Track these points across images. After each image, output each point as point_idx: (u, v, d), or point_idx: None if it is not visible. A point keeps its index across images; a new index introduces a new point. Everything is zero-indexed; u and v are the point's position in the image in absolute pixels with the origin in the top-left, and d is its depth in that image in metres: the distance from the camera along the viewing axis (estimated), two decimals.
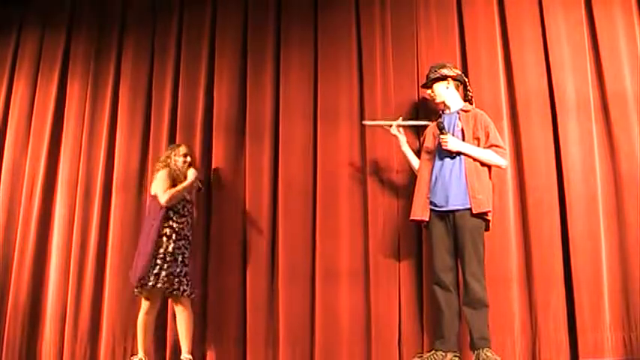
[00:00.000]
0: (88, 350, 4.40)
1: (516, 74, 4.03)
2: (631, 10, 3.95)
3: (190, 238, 4.00)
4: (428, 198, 3.53)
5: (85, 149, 4.77)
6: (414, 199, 3.61)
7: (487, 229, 3.52)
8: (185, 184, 3.98)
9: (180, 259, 3.87)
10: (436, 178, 3.53)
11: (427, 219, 3.53)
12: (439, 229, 3.49)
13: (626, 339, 3.57)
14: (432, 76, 3.72)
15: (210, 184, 4.43)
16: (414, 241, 3.96)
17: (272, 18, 4.60)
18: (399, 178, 4.06)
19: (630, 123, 3.79)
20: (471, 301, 3.37)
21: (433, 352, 3.44)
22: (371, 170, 4.12)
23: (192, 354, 3.90)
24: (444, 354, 3.40)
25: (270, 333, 4.10)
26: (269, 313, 4.12)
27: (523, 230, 3.84)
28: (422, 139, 3.79)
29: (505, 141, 3.91)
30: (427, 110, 4.03)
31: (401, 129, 3.83)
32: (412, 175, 3.84)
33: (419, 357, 3.57)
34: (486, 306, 3.38)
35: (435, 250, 3.50)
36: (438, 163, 3.56)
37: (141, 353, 3.89)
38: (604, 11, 3.98)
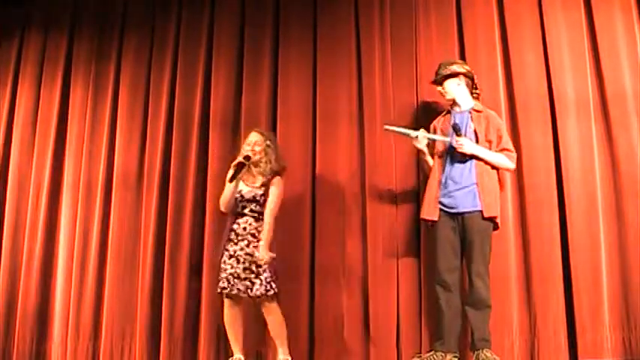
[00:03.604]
0: (90, 349, 4.42)
1: (515, 75, 4.02)
2: (630, 11, 3.93)
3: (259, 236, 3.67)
4: (437, 198, 3.50)
5: (86, 149, 4.81)
6: (425, 198, 3.59)
7: (496, 228, 3.51)
8: (229, 186, 3.67)
9: (244, 260, 3.60)
10: (446, 180, 3.50)
11: (437, 219, 3.49)
12: (446, 228, 3.45)
13: (625, 339, 3.54)
14: (444, 72, 3.63)
15: (206, 183, 4.44)
16: (412, 241, 3.96)
17: (270, 17, 4.60)
18: (398, 179, 4.05)
19: (630, 123, 3.78)
20: (474, 302, 3.37)
21: (432, 352, 3.42)
22: (370, 171, 4.12)
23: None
24: (443, 355, 3.38)
25: (266, 334, 4.07)
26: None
27: (522, 230, 3.83)
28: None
29: None
30: (426, 111, 4.03)
31: (424, 140, 3.63)
32: (411, 175, 3.85)
33: (418, 357, 3.56)
34: (489, 307, 3.38)
35: (440, 250, 3.46)
36: (448, 163, 3.53)
37: (236, 354, 3.67)
38: (603, 12, 3.96)
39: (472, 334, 3.38)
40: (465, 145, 3.43)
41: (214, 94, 4.59)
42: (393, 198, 4.04)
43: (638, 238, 3.62)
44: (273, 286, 3.59)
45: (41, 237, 4.74)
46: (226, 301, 3.68)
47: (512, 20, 4.11)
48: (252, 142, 3.76)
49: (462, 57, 4.14)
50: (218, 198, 4.28)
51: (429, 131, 3.68)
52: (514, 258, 3.79)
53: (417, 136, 3.60)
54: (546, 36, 4.02)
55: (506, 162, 3.53)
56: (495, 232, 3.71)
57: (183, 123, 4.59)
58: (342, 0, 4.47)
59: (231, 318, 3.68)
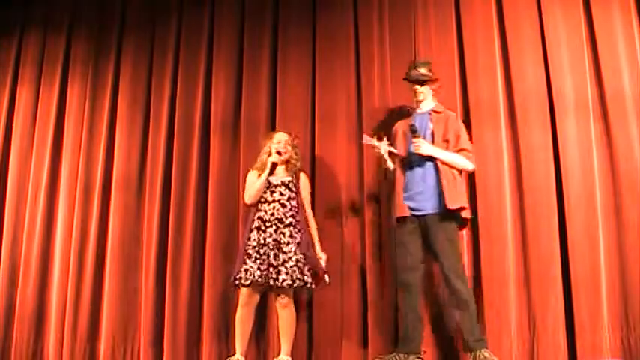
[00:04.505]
0: (88, 350, 4.42)
1: (514, 74, 4.02)
2: (629, 11, 3.94)
3: (289, 221, 3.67)
4: (404, 199, 3.54)
5: (84, 150, 4.80)
6: (395, 198, 3.61)
7: (464, 226, 3.54)
8: (262, 178, 3.73)
9: (273, 247, 3.60)
10: (408, 181, 3.55)
11: (407, 215, 3.51)
12: (408, 228, 3.49)
13: (624, 339, 3.55)
14: (430, 75, 3.68)
15: (207, 185, 4.44)
16: None
17: (269, 19, 4.60)
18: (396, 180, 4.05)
19: (628, 123, 3.78)
20: (458, 304, 3.38)
21: (394, 353, 3.44)
22: (368, 172, 4.11)
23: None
24: (405, 356, 3.39)
25: (267, 332, 4.09)
26: (266, 312, 4.10)
27: (521, 231, 3.83)
28: (391, 138, 3.74)
29: (503, 141, 3.95)
30: None
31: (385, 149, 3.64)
32: None
33: (379, 358, 3.53)
34: (473, 304, 3.37)
35: (401, 249, 3.49)
36: (409, 164, 3.56)
37: (238, 354, 3.65)
38: (602, 11, 3.97)
39: (463, 336, 3.38)
40: (422, 146, 3.45)
41: (215, 96, 4.58)
42: (391, 198, 4.02)
43: (637, 238, 3.63)
44: (300, 277, 3.58)
45: (39, 238, 4.74)
46: (244, 296, 3.64)
47: (511, 21, 4.11)
48: (283, 141, 3.85)
49: (461, 57, 4.16)
50: (219, 199, 4.36)
51: (391, 134, 3.75)
52: (513, 258, 3.79)
53: (379, 146, 3.61)
54: (545, 36, 4.02)
55: (464, 162, 3.53)
56: (494, 233, 3.80)
57: (185, 125, 4.59)
58: (340, 1, 4.47)
59: (246, 314, 3.67)
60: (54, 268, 4.69)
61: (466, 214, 3.49)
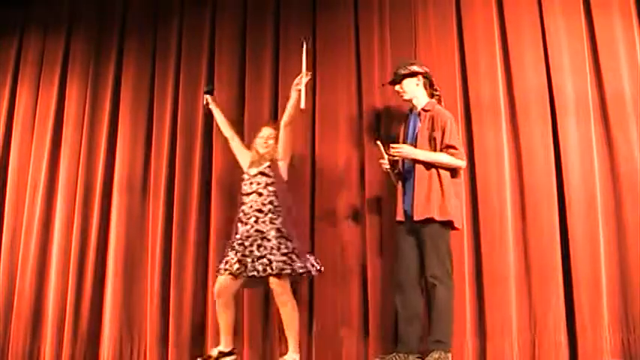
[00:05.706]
0: (88, 353, 4.41)
1: (515, 75, 4.03)
2: (630, 13, 3.95)
3: (267, 208, 3.61)
4: (402, 202, 3.55)
5: (84, 151, 4.80)
6: (397, 202, 3.62)
7: (452, 228, 3.44)
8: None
9: (257, 237, 3.56)
10: (404, 186, 3.56)
11: (403, 219, 3.53)
12: (404, 231, 3.50)
13: (624, 340, 3.56)
14: (403, 71, 3.62)
15: (210, 185, 4.45)
16: None
17: (271, 20, 4.61)
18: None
19: (629, 124, 3.79)
20: (430, 305, 3.37)
21: (394, 354, 3.42)
22: (369, 172, 4.11)
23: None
24: (405, 356, 3.38)
25: (267, 331, 4.10)
26: (268, 312, 4.12)
27: (522, 230, 3.84)
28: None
29: (504, 142, 3.95)
30: None
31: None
32: None
33: (380, 358, 3.53)
34: (446, 308, 3.32)
35: (398, 253, 3.52)
36: (405, 172, 3.57)
37: (221, 346, 3.65)
38: (603, 13, 3.97)
39: (429, 334, 3.36)
40: (404, 151, 3.46)
41: (217, 95, 4.51)
42: (393, 198, 4.02)
43: (637, 238, 3.63)
44: (289, 265, 3.50)
45: (37, 239, 4.73)
46: (218, 286, 3.60)
47: (512, 22, 4.11)
48: (265, 136, 3.86)
49: (462, 58, 4.17)
50: (223, 199, 4.37)
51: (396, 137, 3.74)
52: (514, 259, 3.79)
53: (385, 160, 3.63)
54: (546, 37, 4.02)
55: (450, 160, 3.44)
56: (495, 233, 3.79)
57: (187, 126, 4.60)
58: (341, 1, 4.47)
59: (223, 304, 3.60)
60: (51, 269, 4.67)
61: (439, 218, 3.36)
